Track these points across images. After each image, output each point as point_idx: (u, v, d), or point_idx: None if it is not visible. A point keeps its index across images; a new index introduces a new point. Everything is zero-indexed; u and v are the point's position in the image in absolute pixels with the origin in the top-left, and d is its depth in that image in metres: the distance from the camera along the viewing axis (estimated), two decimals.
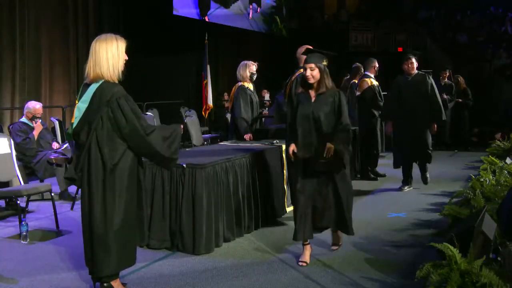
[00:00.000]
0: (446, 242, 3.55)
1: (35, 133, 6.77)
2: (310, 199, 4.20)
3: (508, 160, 7.23)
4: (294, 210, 4.27)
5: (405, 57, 6.99)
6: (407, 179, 7.20)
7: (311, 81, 4.15)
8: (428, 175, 7.22)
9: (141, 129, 3.37)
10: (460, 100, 11.42)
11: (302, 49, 5.57)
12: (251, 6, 14.46)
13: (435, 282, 3.29)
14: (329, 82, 4.18)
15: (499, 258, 3.53)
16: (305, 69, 4.16)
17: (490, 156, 7.84)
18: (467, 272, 3.23)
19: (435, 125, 6.94)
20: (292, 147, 4.21)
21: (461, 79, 11.63)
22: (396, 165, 7.24)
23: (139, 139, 3.38)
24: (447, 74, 11.45)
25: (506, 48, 15.07)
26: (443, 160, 10.15)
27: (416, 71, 6.95)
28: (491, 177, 5.97)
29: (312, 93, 4.22)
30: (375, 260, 4.29)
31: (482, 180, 5.87)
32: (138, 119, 3.38)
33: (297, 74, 5.50)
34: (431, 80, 6.90)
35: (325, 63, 4.14)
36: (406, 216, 5.74)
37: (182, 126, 3.68)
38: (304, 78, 4.20)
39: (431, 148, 7.02)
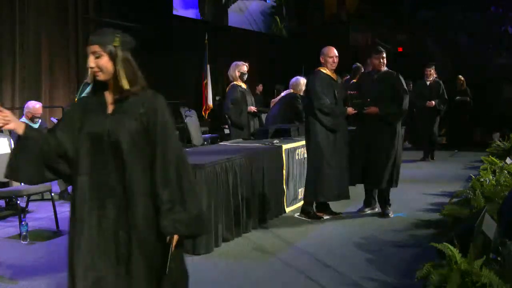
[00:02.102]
0: (446, 242, 3.55)
1: None
2: None
3: (508, 160, 7.22)
4: None
5: (374, 50, 5.88)
6: (367, 199, 5.95)
7: (100, 76, 2.25)
8: (389, 210, 5.74)
9: None
10: (468, 98, 11.38)
11: (327, 49, 5.61)
12: None
13: (435, 282, 3.28)
14: (135, 78, 2.29)
15: (499, 258, 3.53)
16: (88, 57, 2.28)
17: (490, 156, 7.83)
18: (467, 272, 3.23)
19: (376, 109, 5.55)
20: None
21: (461, 79, 11.62)
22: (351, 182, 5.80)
23: None
24: (432, 71, 9.90)
25: (506, 48, 15.06)
26: (443, 160, 10.16)
27: (385, 69, 5.81)
28: (491, 177, 5.96)
29: (109, 97, 2.31)
30: (375, 260, 4.29)
31: (482, 180, 5.86)
32: None
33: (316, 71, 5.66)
34: (401, 80, 5.71)
35: (117, 44, 2.25)
36: (406, 216, 5.74)
37: None
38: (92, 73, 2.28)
39: (391, 170, 5.59)
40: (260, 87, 13.30)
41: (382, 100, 5.61)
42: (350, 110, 5.64)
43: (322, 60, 5.61)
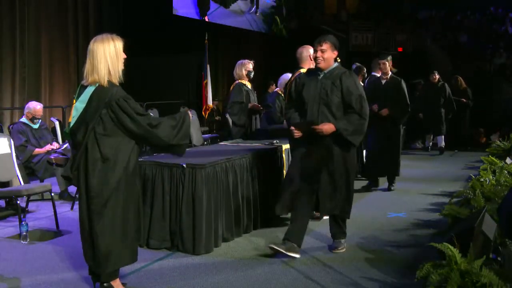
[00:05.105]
0: (446, 242, 3.55)
1: (40, 151, 6.64)
2: None
3: (508, 160, 7.22)
4: None
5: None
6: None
7: None
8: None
9: (148, 124, 3.39)
10: (464, 100, 11.35)
11: (303, 49, 5.59)
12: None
13: (435, 282, 3.29)
14: None
15: (499, 258, 3.53)
16: None
17: (490, 156, 7.83)
18: (467, 272, 3.23)
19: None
20: None
21: (460, 79, 11.63)
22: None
23: (148, 134, 3.42)
24: (387, 65, 6.97)
25: (506, 48, 15.08)
26: (443, 160, 10.16)
27: (335, 66, 4.76)
28: (491, 177, 5.96)
29: None
30: (375, 260, 4.29)
31: (482, 180, 5.86)
32: (142, 116, 3.39)
33: (296, 74, 5.48)
34: (354, 78, 4.75)
35: None
36: (406, 216, 5.74)
37: (190, 114, 3.76)
38: None
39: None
40: (273, 87, 13.27)
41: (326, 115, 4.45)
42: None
43: (306, 60, 5.45)
